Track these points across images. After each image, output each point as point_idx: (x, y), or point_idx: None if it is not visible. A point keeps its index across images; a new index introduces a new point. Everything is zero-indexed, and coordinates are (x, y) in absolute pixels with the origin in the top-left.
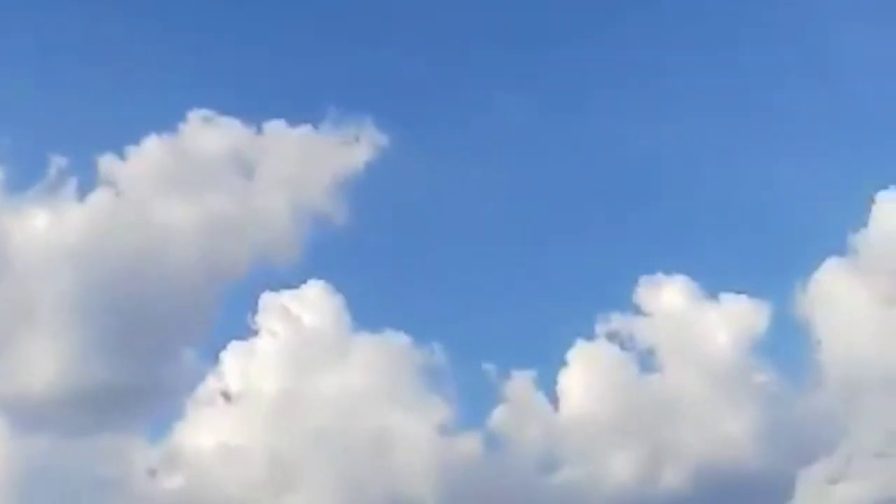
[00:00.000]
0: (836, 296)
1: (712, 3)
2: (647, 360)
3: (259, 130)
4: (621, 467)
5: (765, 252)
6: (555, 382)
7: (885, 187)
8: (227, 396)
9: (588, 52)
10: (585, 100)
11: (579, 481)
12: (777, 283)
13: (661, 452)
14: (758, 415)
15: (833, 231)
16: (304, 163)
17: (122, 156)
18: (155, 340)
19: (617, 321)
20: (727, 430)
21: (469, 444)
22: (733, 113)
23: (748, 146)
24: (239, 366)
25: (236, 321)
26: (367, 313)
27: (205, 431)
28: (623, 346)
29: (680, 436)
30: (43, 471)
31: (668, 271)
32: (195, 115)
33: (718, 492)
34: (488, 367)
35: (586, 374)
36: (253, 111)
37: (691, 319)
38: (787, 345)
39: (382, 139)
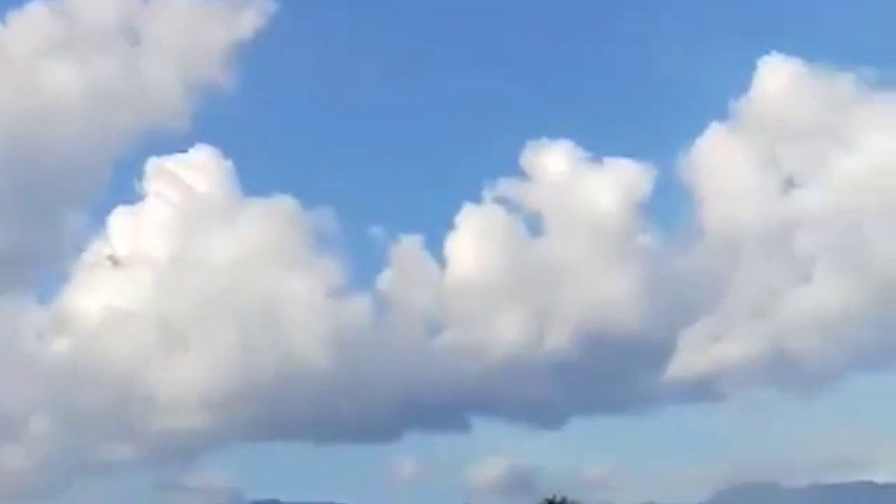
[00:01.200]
0: (718, 159)
1: None
2: (533, 224)
3: None
4: (507, 329)
5: (649, 117)
6: (442, 246)
7: (767, 53)
8: (114, 260)
9: None
10: None
11: (466, 343)
12: (661, 147)
13: (546, 314)
14: (641, 276)
15: (716, 96)
16: (193, 29)
17: (3, 20)
18: (41, 204)
19: (504, 186)
20: (611, 292)
21: (358, 306)
22: None
23: (631, 12)
24: (126, 230)
25: (124, 186)
26: (255, 178)
27: (92, 295)
28: (510, 211)
29: (565, 298)
30: None
31: (553, 136)
32: None
33: (602, 352)
34: (376, 230)
35: (473, 238)
36: None
37: (576, 183)
38: (670, 207)
39: (271, 5)
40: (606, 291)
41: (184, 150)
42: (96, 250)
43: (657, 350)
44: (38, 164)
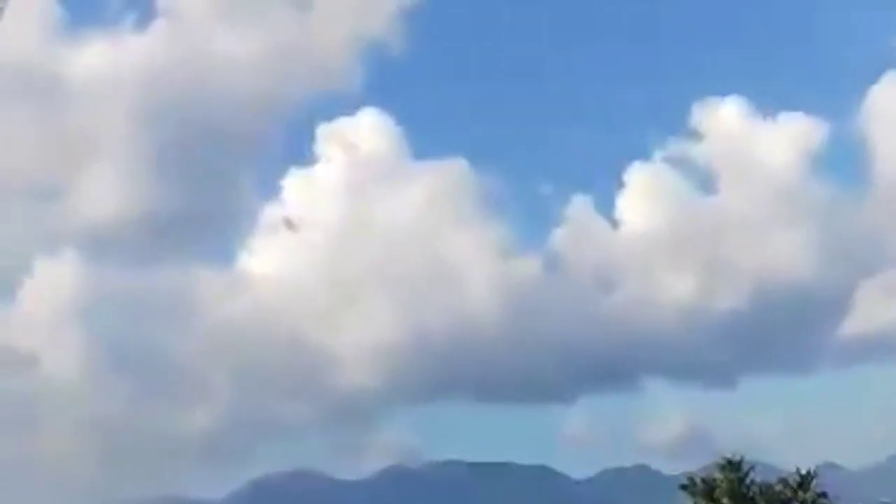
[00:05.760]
0: (893, 108)
1: None
2: (704, 182)
3: None
4: (679, 286)
5: (820, 68)
6: (613, 205)
7: None
8: (289, 223)
9: None
10: None
11: (638, 299)
12: (834, 100)
13: (719, 270)
14: (816, 231)
15: (889, 42)
16: None
17: None
18: (217, 168)
19: (674, 144)
20: (785, 247)
21: (529, 265)
22: None
23: None
24: (299, 193)
25: (295, 149)
26: (425, 140)
27: (268, 257)
28: (680, 169)
29: (738, 254)
30: (113, 297)
31: (723, 93)
32: None
33: (775, 309)
34: (547, 190)
35: (644, 196)
36: None
37: (748, 139)
38: (844, 160)
39: None
40: (780, 247)
41: (354, 114)
42: (271, 214)
43: (831, 307)
44: (211, 129)
